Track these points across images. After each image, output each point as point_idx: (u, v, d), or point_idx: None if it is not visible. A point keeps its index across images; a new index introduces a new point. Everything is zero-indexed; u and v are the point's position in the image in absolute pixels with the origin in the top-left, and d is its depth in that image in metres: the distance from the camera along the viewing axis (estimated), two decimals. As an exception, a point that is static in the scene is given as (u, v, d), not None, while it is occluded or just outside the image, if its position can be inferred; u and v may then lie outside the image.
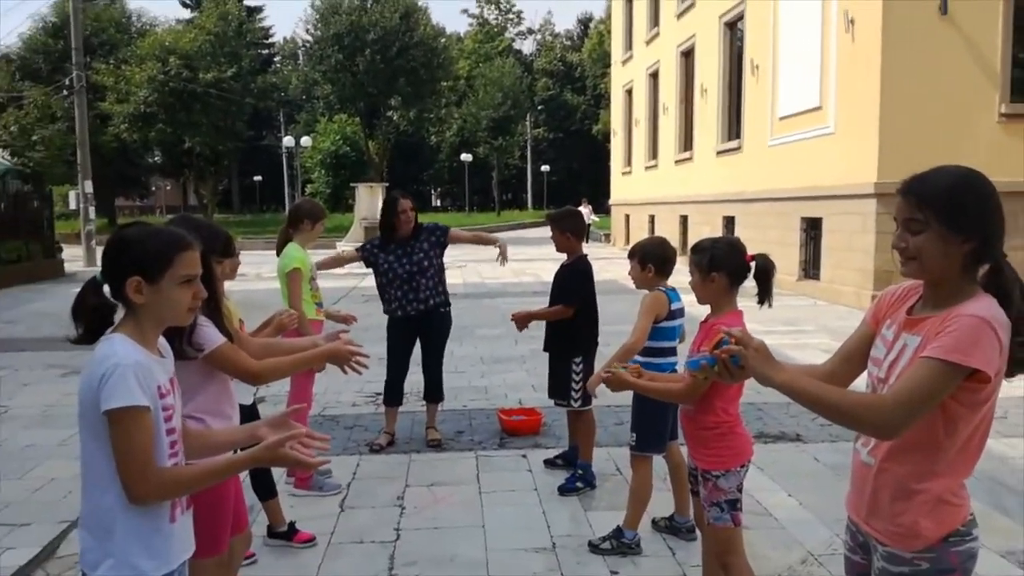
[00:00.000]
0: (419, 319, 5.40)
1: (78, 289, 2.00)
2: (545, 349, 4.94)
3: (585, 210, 28.10)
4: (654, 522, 4.12)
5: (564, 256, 4.90)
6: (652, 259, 3.88)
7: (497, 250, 5.78)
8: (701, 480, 3.01)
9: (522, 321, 4.94)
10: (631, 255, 3.96)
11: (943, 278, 1.81)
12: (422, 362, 5.56)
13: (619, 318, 6.74)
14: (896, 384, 1.78)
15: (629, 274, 3.99)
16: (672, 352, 3.93)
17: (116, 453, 1.82)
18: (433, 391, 5.60)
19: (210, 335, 2.61)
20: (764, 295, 2.99)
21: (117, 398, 1.79)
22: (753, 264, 3.00)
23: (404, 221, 5.31)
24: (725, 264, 2.95)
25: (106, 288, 1.95)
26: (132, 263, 1.89)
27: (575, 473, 4.76)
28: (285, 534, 4.01)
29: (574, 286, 4.77)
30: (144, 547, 1.88)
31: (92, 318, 1.93)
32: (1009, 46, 11.43)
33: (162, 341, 2.04)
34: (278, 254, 4.88)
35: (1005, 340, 1.73)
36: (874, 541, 1.92)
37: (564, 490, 4.65)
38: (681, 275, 3.14)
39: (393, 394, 5.53)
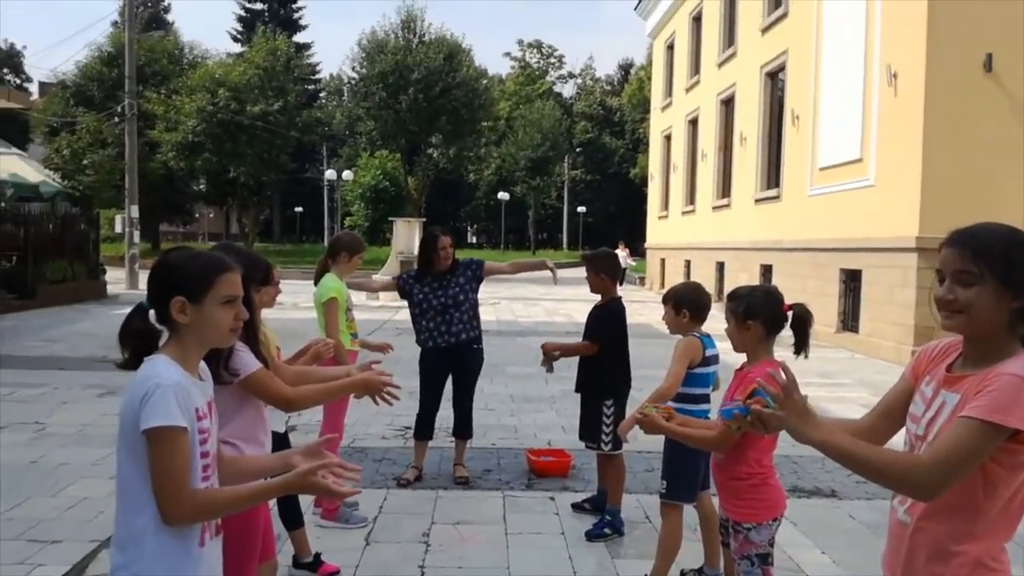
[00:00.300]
0: (451, 353, 5.40)
1: (120, 311, 2.06)
2: (577, 390, 4.92)
3: (622, 253, 27.73)
4: (683, 573, 4.04)
5: (598, 297, 4.90)
6: (687, 304, 3.86)
7: (548, 272, 5.87)
8: (732, 532, 2.96)
9: (550, 351, 4.93)
10: (665, 300, 3.95)
11: (987, 334, 1.78)
12: (453, 398, 5.57)
13: (653, 362, 6.70)
14: (935, 444, 1.75)
15: (663, 319, 3.97)
16: (705, 399, 3.89)
17: (153, 473, 1.85)
18: (463, 427, 5.60)
19: (246, 360, 2.66)
20: (801, 345, 2.95)
21: (157, 418, 1.83)
22: (790, 314, 2.97)
23: (443, 258, 5.34)
24: (761, 312, 2.93)
25: (152, 314, 2.00)
26: (176, 284, 1.96)
27: (603, 519, 4.69)
28: (310, 565, 4.00)
29: (601, 326, 4.76)
30: (171, 569, 1.89)
31: (137, 343, 1.99)
32: (1056, 104, 11.31)
33: (202, 365, 2.08)
34: (316, 284, 4.95)
35: None
36: None
37: (592, 536, 4.59)
38: (717, 321, 3.12)
39: (423, 428, 5.53)
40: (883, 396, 2.06)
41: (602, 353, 4.73)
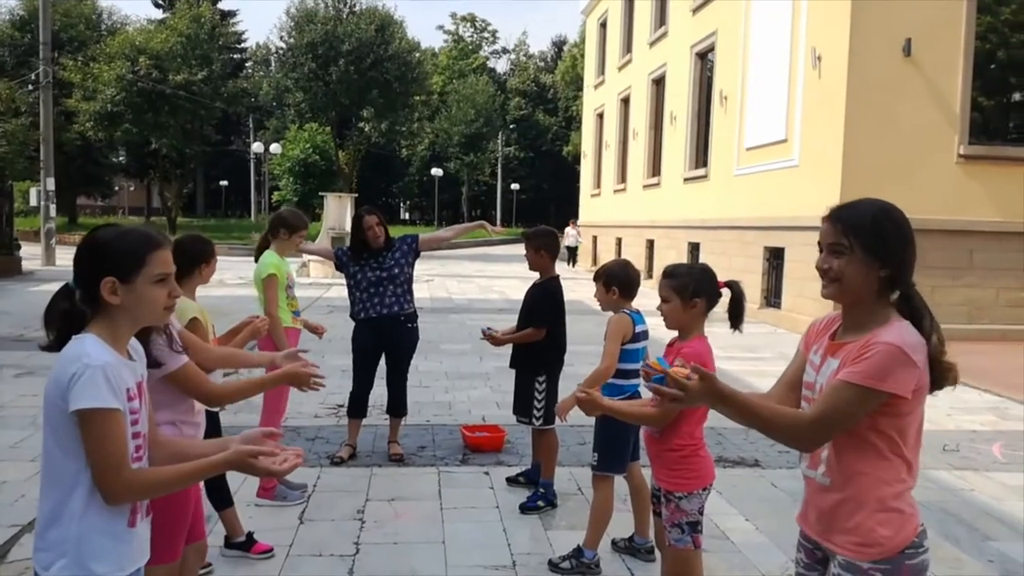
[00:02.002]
0: (384, 328, 5.39)
1: (36, 288, 2.01)
2: (511, 366, 4.97)
3: (573, 231, 27.27)
4: (613, 543, 4.16)
5: (532, 276, 4.94)
6: (616, 282, 3.94)
7: (485, 231, 6.02)
8: (664, 501, 3.06)
9: (497, 343, 4.96)
10: (596, 277, 4.02)
11: (859, 300, 1.98)
12: (387, 376, 5.58)
13: (585, 338, 6.80)
14: (816, 402, 1.95)
15: (595, 296, 4.04)
16: (635, 374, 3.97)
17: (89, 454, 1.82)
18: (396, 406, 5.61)
19: (167, 355, 2.59)
20: (736, 321, 3.06)
21: (88, 399, 1.79)
22: (725, 291, 3.08)
23: (372, 237, 5.34)
24: (705, 290, 3.02)
25: (77, 293, 1.93)
26: (106, 264, 1.89)
27: (537, 491, 4.78)
28: (243, 544, 3.97)
29: (546, 308, 4.81)
30: (100, 550, 1.87)
31: (63, 324, 1.92)
32: (969, 89, 11.81)
33: (135, 344, 2.03)
34: (255, 260, 4.89)
35: (921, 359, 1.90)
36: (833, 553, 2.02)
37: (525, 508, 4.67)
38: (646, 298, 3.20)
39: (357, 407, 5.53)
40: (784, 370, 2.23)
41: (536, 322, 4.79)
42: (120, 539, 1.91)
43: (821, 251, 2.03)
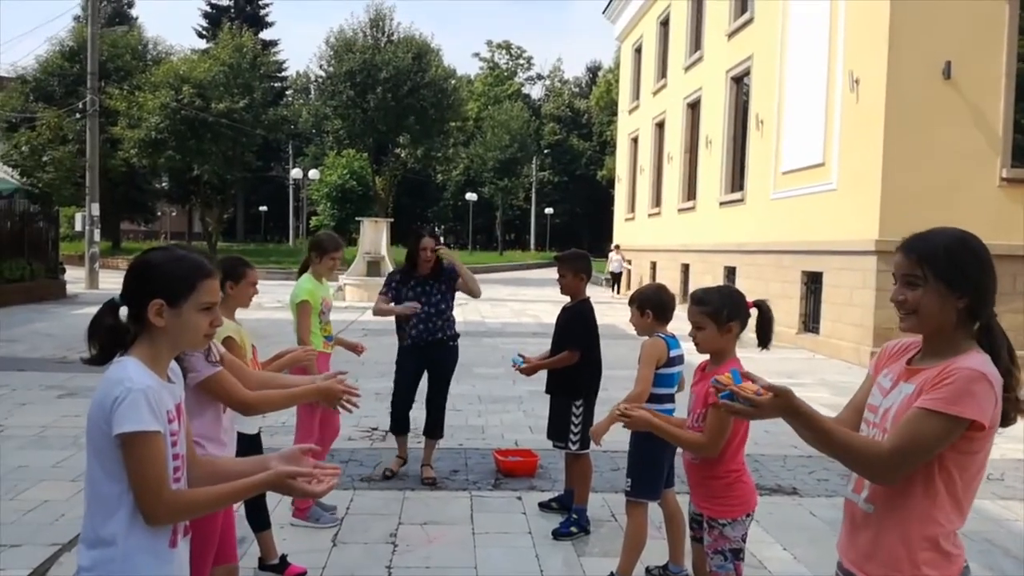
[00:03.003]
0: (430, 352, 5.56)
1: (80, 311, 2.04)
2: (547, 391, 4.95)
3: (617, 256, 26.07)
4: (648, 571, 4.10)
5: (565, 299, 4.93)
6: (651, 305, 3.92)
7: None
8: (707, 527, 3.01)
9: (531, 372, 4.95)
10: (631, 301, 4.01)
11: (938, 332, 1.91)
12: (427, 396, 5.64)
13: (620, 363, 6.76)
14: (895, 432, 1.85)
15: (630, 320, 4.02)
16: (670, 399, 3.95)
17: (131, 476, 1.84)
18: (433, 427, 5.64)
19: (199, 364, 2.65)
20: (765, 340, 3.03)
21: (130, 422, 1.81)
22: (754, 310, 3.05)
23: (424, 259, 5.45)
24: (739, 313, 3.00)
25: (123, 311, 1.97)
26: (156, 286, 1.93)
27: (570, 517, 4.74)
28: (277, 567, 3.99)
29: (579, 330, 4.78)
30: (143, 570, 1.88)
31: (107, 339, 1.95)
32: (1011, 111, 11.62)
33: (173, 366, 2.06)
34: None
35: (999, 393, 1.82)
36: None
37: (558, 534, 4.63)
38: (681, 322, 3.17)
39: (400, 423, 5.67)
40: (853, 395, 2.17)
41: (569, 345, 4.77)
42: (163, 559, 1.92)
43: (895, 283, 1.96)
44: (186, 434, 2.04)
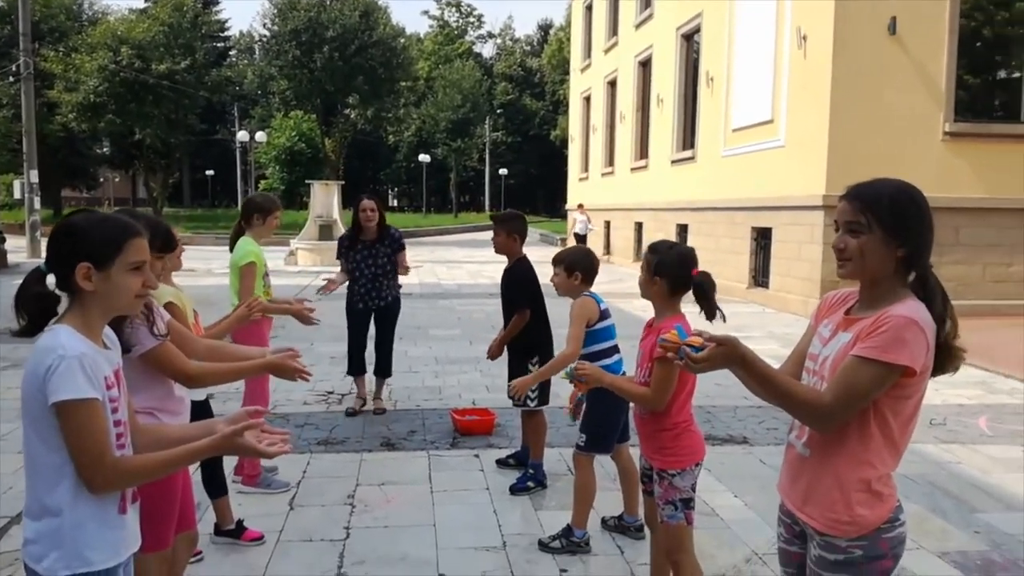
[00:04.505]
0: (378, 309, 6.23)
1: (21, 281, 1.96)
2: (508, 350, 4.95)
3: (582, 217, 23.70)
4: (603, 521, 4.18)
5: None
6: (581, 268, 4.03)
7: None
8: (656, 479, 3.07)
9: (496, 353, 4.96)
10: (557, 262, 4.07)
11: (876, 280, 1.95)
12: (375, 340, 6.30)
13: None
14: (833, 381, 1.90)
15: (552, 280, 4.10)
16: (616, 350, 4.02)
17: (71, 446, 1.80)
18: (383, 367, 6.36)
19: (142, 336, 2.59)
20: (710, 313, 3.05)
21: (66, 391, 1.77)
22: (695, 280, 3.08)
23: (364, 219, 6.00)
24: (668, 271, 3.03)
25: (50, 279, 1.91)
26: (82, 249, 1.86)
27: (526, 472, 4.79)
28: (233, 532, 3.97)
29: (525, 290, 4.82)
30: (94, 538, 1.86)
31: (35, 309, 1.89)
32: (954, 67, 11.82)
33: (109, 332, 2.01)
34: (231, 249, 4.83)
35: (931, 340, 1.87)
36: (811, 530, 2.02)
37: (515, 489, 4.68)
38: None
39: (357, 366, 6.34)
40: (795, 346, 2.21)
41: (518, 307, 4.81)
42: (112, 526, 1.89)
43: (837, 230, 1.99)
44: (127, 401, 1.99)
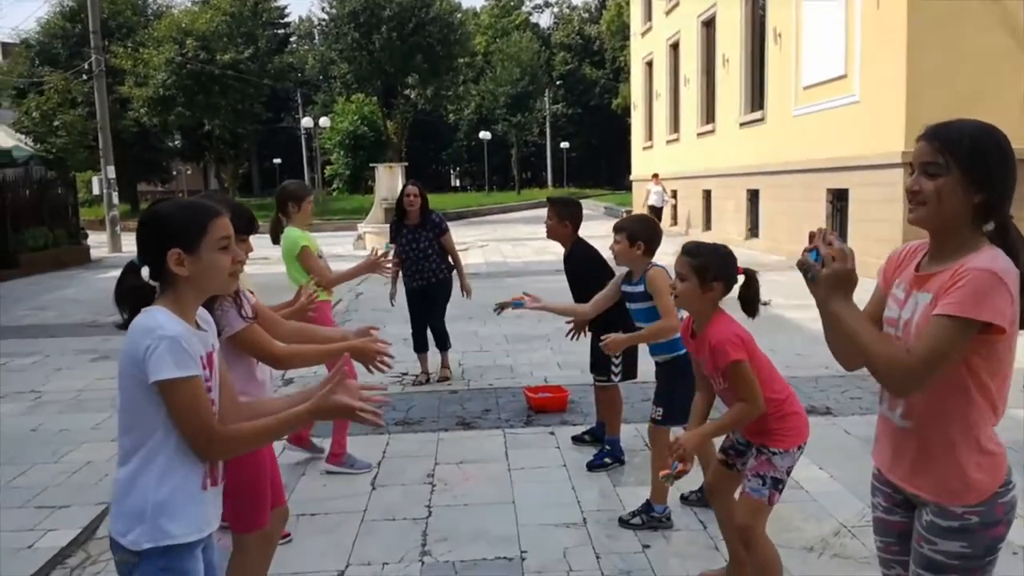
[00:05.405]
0: (425, 288, 6.62)
1: (106, 275, 2.02)
2: (588, 328, 4.89)
3: (656, 188, 22.10)
4: (683, 497, 4.12)
5: (591, 232, 4.86)
6: (643, 237, 3.93)
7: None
8: (755, 452, 2.96)
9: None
10: (618, 229, 3.98)
11: (949, 228, 1.82)
12: (428, 319, 6.67)
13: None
14: (916, 344, 1.80)
15: (613, 247, 4.00)
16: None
17: (180, 421, 1.86)
18: (439, 341, 6.75)
19: (231, 318, 2.64)
20: (752, 310, 2.97)
21: (168, 369, 1.82)
22: (742, 277, 2.99)
23: (407, 204, 6.43)
24: (724, 274, 2.95)
25: (144, 271, 1.96)
26: (170, 235, 1.92)
27: (603, 449, 4.76)
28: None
29: (599, 271, 4.71)
30: (176, 511, 1.90)
31: (134, 301, 1.95)
32: (1040, 7, 11.16)
33: (204, 313, 2.06)
34: (274, 242, 4.83)
35: (1015, 290, 1.74)
36: (921, 498, 1.93)
37: (593, 466, 4.65)
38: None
39: (419, 343, 6.74)
40: (863, 309, 2.08)
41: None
42: (196, 500, 1.94)
43: (912, 172, 1.86)
44: (220, 381, 2.04)
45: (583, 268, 4.80)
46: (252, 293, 3.15)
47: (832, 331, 1.88)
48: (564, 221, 4.80)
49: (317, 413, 1.97)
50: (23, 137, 21.04)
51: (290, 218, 4.79)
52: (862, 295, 1.83)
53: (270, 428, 2.00)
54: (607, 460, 4.68)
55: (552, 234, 4.88)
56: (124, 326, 1.95)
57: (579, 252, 4.84)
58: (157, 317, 1.88)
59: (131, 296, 1.95)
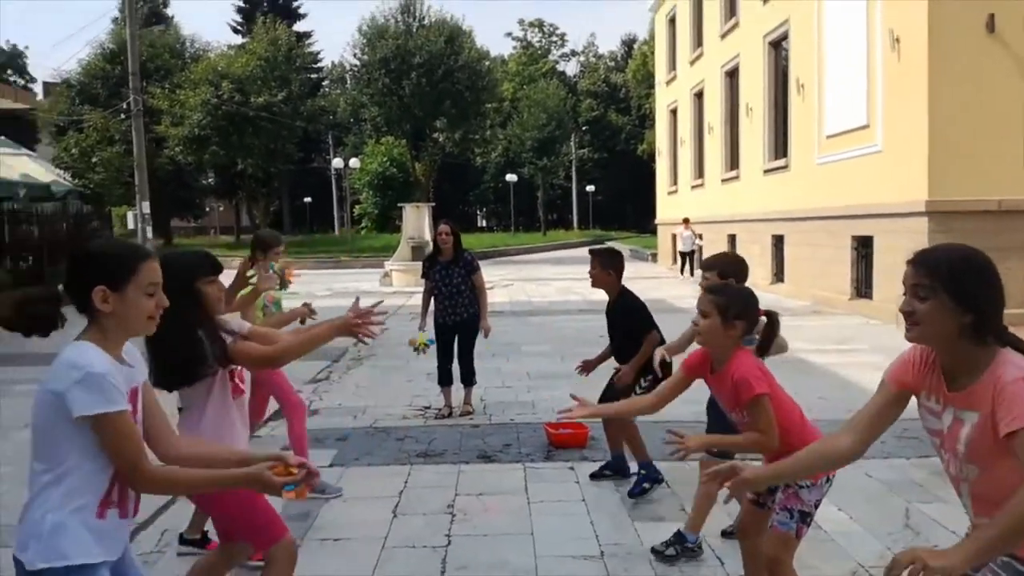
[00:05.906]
0: (457, 324, 6.82)
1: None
2: (618, 362, 4.96)
3: (687, 233, 22.00)
4: (723, 532, 4.14)
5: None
6: (733, 277, 3.78)
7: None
8: (783, 486, 3.00)
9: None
10: (709, 268, 3.95)
11: (951, 343, 1.94)
12: (458, 355, 6.86)
13: (668, 336, 6.75)
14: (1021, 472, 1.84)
15: (702, 284, 3.68)
16: None
17: (111, 453, 1.96)
18: (465, 376, 6.91)
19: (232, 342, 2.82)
20: (765, 349, 3.02)
21: (96, 404, 1.91)
22: (764, 319, 3.06)
23: (441, 241, 6.75)
24: (748, 313, 2.99)
25: (65, 299, 2.05)
26: (98, 273, 2.01)
27: (639, 474, 4.80)
28: (198, 542, 3.94)
29: (644, 317, 4.82)
30: (71, 535, 1.97)
31: (39, 326, 2.03)
32: (1064, 61, 11.24)
33: (131, 349, 2.13)
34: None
35: None
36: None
37: (634, 494, 4.71)
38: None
39: (444, 377, 6.87)
40: (862, 410, 2.18)
41: (642, 334, 4.78)
42: (92, 528, 2.00)
43: (905, 294, 2.00)
44: (150, 411, 2.14)
45: (632, 313, 4.88)
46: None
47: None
48: (608, 270, 4.90)
49: (248, 483, 2.06)
50: (62, 172, 21.67)
51: (257, 263, 4.73)
52: (890, 342, 1.91)
53: (197, 481, 2.14)
54: (646, 485, 4.73)
55: (597, 283, 4.97)
56: (10, 329, 2.01)
57: (626, 304, 4.91)
58: (87, 353, 1.95)
59: (39, 321, 2.01)
